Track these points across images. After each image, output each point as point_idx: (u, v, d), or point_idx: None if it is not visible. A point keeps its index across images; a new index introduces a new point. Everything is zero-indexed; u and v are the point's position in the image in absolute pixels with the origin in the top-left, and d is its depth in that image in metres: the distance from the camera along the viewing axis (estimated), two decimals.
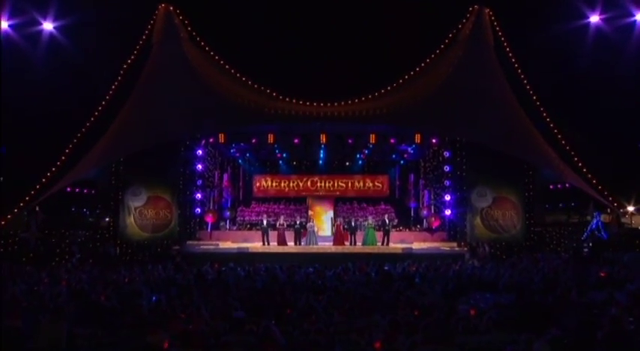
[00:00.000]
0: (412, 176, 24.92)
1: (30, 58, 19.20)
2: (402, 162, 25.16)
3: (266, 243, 19.46)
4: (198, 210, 20.86)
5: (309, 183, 24.35)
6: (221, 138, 20.19)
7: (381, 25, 21.91)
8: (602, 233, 17.76)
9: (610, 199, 18.31)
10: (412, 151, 23.16)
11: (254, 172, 25.05)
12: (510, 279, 10.98)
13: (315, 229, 20.05)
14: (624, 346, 5.78)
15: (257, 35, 21.46)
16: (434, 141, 21.07)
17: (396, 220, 22.37)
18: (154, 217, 19.27)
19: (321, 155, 23.75)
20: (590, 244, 17.96)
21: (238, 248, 18.68)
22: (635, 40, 19.39)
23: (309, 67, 20.63)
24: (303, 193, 24.35)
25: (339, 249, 18.83)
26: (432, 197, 22.54)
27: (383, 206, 23.65)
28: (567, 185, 19.43)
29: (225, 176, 23.69)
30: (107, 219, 19.98)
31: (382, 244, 19.51)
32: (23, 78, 18.50)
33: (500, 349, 6.06)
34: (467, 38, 18.87)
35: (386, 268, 12.97)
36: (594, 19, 19.86)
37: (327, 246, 19.45)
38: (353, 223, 20.09)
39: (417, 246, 19.48)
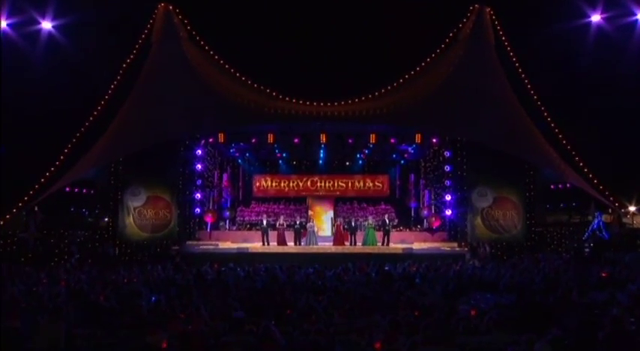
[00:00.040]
0: (412, 176, 24.89)
1: (29, 58, 19.16)
2: (402, 162, 25.12)
3: (266, 243, 19.41)
4: (198, 210, 20.82)
5: (309, 183, 24.29)
6: (221, 138, 20.14)
7: (381, 25, 21.89)
8: (604, 233, 17.73)
9: (611, 199, 18.27)
10: (412, 151, 23.11)
11: (254, 172, 24.99)
12: (511, 279, 10.97)
13: (315, 229, 20.02)
14: (625, 347, 5.79)
15: (257, 34, 21.42)
16: (434, 141, 21.02)
17: (397, 220, 22.33)
18: (154, 217, 19.20)
19: (321, 155, 23.70)
20: (592, 245, 17.99)
21: (238, 248, 18.66)
22: (636, 39, 19.35)
23: (309, 67, 20.62)
24: (303, 193, 24.29)
25: (339, 249, 18.80)
26: (433, 197, 22.49)
27: (383, 206, 23.60)
28: (568, 185, 19.38)
29: (225, 176, 23.65)
30: (106, 219, 19.91)
31: (382, 244, 19.46)
32: (22, 77, 18.46)
33: (501, 349, 6.07)
34: (467, 37, 18.82)
35: (386, 268, 12.96)
36: (595, 18, 19.80)
37: (327, 246, 19.41)
38: (353, 223, 20.06)
39: (417, 246, 19.45)
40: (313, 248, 18.86)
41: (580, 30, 19.98)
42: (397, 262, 14.58)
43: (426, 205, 23.12)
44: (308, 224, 19.99)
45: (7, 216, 16.93)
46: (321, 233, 21.28)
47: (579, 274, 11.80)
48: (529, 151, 18.12)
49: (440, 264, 14.09)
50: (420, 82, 18.52)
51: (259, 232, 20.02)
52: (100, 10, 18.83)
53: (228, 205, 23.56)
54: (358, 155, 23.79)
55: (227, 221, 23.04)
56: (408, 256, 16.72)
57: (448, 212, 20.58)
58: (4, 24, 18.00)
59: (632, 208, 19.72)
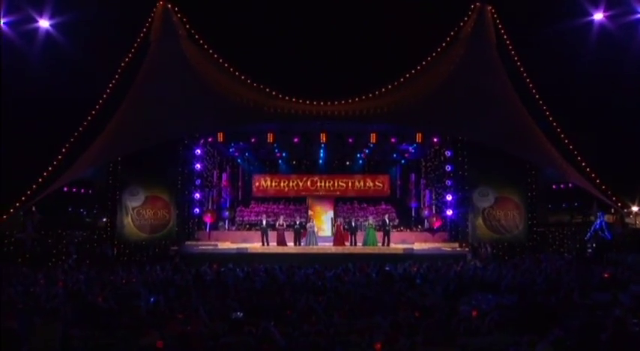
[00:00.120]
0: (413, 176, 24.83)
1: (26, 56, 19.06)
2: (402, 161, 25.06)
3: (265, 243, 19.37)
4: (197, 210, 20.78)
5: (308, 183, 24.22)
6: (220, 137, 20.09)
7: (381, 24, 21.81)
8: (606, 234, 17.62)
9: (614, 199, 18.15)
10: (413, 151, 23.06)
11: (253, 172, 24.93)
12: (513, 280, 10.93)
13: (315, 230, 19.98)
14: (628, 348, 5.75)
15: (256, 33, 21.34)
16: (435, 140, 20.99)
17: (397, 221, 22.32)
18: (152, 218, 19.18)
19: (321, 155, 23.65)
20: (594, 245, 17.88)
21: (237, 249, 18.63)
22: (639, 38, 19.19)
23: (309, 66, 20.55)
24: (303, 193, 24.23)
25: (339, 249, 18.76)
26: (434, 197, 22.45)
27: (384, 206, 23.55)
28: (570, 185, 19.31)
29: (224, 176, 23.60)
30: (104, 219, 19.88)
31: (382, 244, 19.40)
32: (19, 76, 18.32)
33: (502, 350, 6.00)
34: (469, 36, 18.66)
35: (387, 268, 12.90)
36: (598, 16, 19.68)
37: (327, 246, 19.39)
38: (353, 224, 20.06)
39: (418, 246, 19.42)
40: (313, 248, 18.82)
41: (582, 28, 19.87)
42: (398, 263, 14.51)
43: (426, 205, 23.06)
44: (308, 224, 19.94)
45: (5, 216, 16.83)
46: (321, 233, 21.25)
47: (581, 274, 11.75)
48: (531, 150, 18.04)
49: (441, 264, 14.07)
50: (421, 81, 18.41)
51: (259, 233, 19.98)
52: (97, 9, 18.75)
53: (228, 205, 23.51)
54: (358, 155, 23.74)
55: (226, 221, 23.00)
56: (409, 256, 16.67)
57: (449, 212, 20.52)
58: (0, 22, 17.88)
59: (634, 208, 19.64)
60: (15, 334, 6.10)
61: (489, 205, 19.49)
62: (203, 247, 19.16)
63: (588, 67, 19.85)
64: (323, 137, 19.61)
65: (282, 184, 24.43)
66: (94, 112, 18.21)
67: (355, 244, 19.45)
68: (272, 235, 19.70)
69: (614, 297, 8.51)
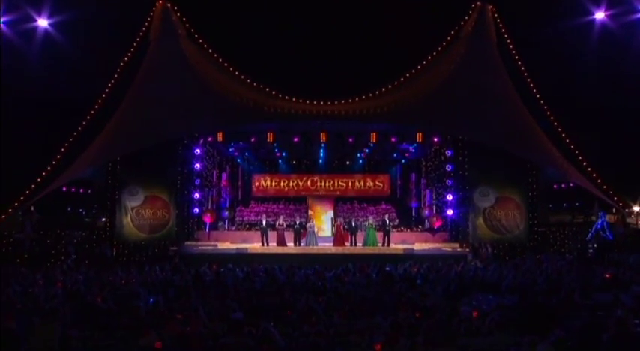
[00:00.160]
0: (413, 176, 24.77)
1: (25, 56, 19.00)
2: (403, 161, 24.99)
3: (265, 243, 19.33)
4: (197, 210, 20.73)
5: (308, 182, 24.16)
6: (219, 137, 20.04)
7: (382, 23, 21.74)
8: (607, 234, 17.60)
9: (615, 199, 18.13)
10: (413, 150, 23.01)
11: (253, 172, 24.87)
12: (513, 280, 10.93)
13: (315, 230, 19.96)
14: (630, 349, 5.75)
15: (256, 32, 21.28)
16: (435, 140, 20.94)
17: (397, 221, 22.28)
18: (152, 218, 19.12)
19: (321, 154, 23.59)
20: (595, 245, 17.84)
21: (237, 249, 18.60)
22: None
23: (309, 65, 20.51)
24: (303, 193, 24.17)
25: (339, 250, 18.74)
26: (434, 197, 22.41)
27: (384, 206, 23.50)
28: (571, 185, 19.26)
29: (224, 176, 23.54)
30: (103, 219, 19.86)
31: (383, 244, 19.35)
32: (18, 76, 18.27)
33: None
34: (469, 35, 18.63)
35: (387, 268, 12.90)
36: (599, 15, 19.62)
37: (327, 246, 19.36)
38: (353, 224, 20.04)
39: (418, 246, 19.37)
40: (313, 249, 18.79)
41: (583, 27, 19.82)
42: (398, 263, 14.51)
43: (427, 205, 23.00)
44: (308, 224, 19.91)
45: (3, 216, 16.80)
46: (321, 233, 21.21)
47: (583, 275, 11.74)
48: (532, 150, 18.01)
49: (441, 265, 14.06)
50: (421, 81, 18.38)
51: (258, 233, 19.93)
52: (97, 8, 18.69)
53: (227, 205, 23.45)
54: (359, 154, 23.68)
55: (226, 221, 22.93)
56: (409, 256, 16.66)
57: (450, 212, 20.46)
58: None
59: (636, 209, 19.59)
60: (14, 334, 6.12)
61: (490, 205, 19.43)
62: (202, 248, 19.11)
63: (589, 66, 19.82)
64: (323, 137, 19.56)
65: (282, 184, 24.37)
66: (93, 112, 18.17)
67: (355, 245, 19.41)
68: (272, 235, 19.65)
69: (616, 297, 8.52)
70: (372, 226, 19.80)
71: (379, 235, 19.67)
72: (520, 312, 7.74)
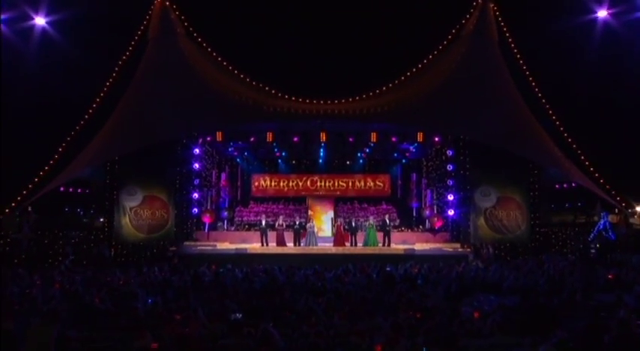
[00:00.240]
0: (414, 175, 24.72)
1: (22, 54, 18.94)
2: (403, 161, 24.98)
3: (265, 244, 19.28)
4: (196, 210, 20.67)
5: (308, 182, 24.13)
6: (219, 136, 20.03)
7: (382, 21, 21.62)
8: (610, 234, 17.56)
9: (618, 198, 18.06)
10: (414, 150, 22.98)
11: (252, 172, 24.83)
12: (515, 281, 10.94)
13: (315, 230, 19.93)
14: (632, 350, 5.70)
15: (256, 31, 21.16)
16: (436, 139, 20.91)
17: (398, 221, 22.31)
18: (150, 218, 19.08)
19: (321, 154, 23.58)
20: (598, 246, 17.81)
21: (236, 249, 18.53)
22: None
23: (309, 64, 20.39)
24: (303, 193, 24.14)
25: (339, 250, 18.72)
26: (435, 197, 22.36)
27: (384, 206, 23.49)
28: (574, 185, 19.21)
29: (223, 175, 23.49)
30: (102, 219, 19.79)
31: (383, 244, 19.32)
32: (15, 74, 18.18)
33: None
34: (470, 34, 18.50)
35: (387, 269, 12.88)
36: (602, 13, 19.57)
37: (328, 247, 19.34)
38: (354, 224, 20.05)
39: (419, 247, 19.32)
40: (313, 249, 18.76)
41: (586, 26, 19.76)
42: (399, 263, 14.47)
43: (428, 205, 22.93)
44: (308, 224, 19.87)
45: (0, 216, 16.70)
46: (321, 234, 21.21)
47: (585, 275, 11.73)
48: (533, 149, 17.91)
49: (442, 265, 14.05)
50: (422, 80, 18.28)
51: (258, 233, 19.91)
52: (95, 6, 18.59)
53: (227, 205, 23.42)
54: (359, 154, 23.69)
55: (225, 221, 22.89)
56: (410, 257, 16.65)
57: (451, 212, 20.37)
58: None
59: (639, 209, 19.38)
60: (12, 335, 6.18)
61: (491, 205, 19.40)
62: (202, 248, 19.07)
63: (592, 64, 19.69)
64: (323, 136, 19.55)
65: (281, 183, 24.34)
66: (91, 111, 18.08)
67: (355, 245, 19.38)
68: (271, 235, 19.61)
69: (619, 298, 8.52)
70: (373, 226, 19.74)
71: (380, 235, 19.62)
72: (522, 313, 7.71)
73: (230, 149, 23.14)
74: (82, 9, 18.45)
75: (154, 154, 18.01)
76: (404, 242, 20.02)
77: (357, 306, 8.31)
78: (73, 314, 7.73)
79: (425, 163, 24.11)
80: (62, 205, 20.58)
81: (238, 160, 24.62)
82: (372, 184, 24.38)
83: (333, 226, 21.83)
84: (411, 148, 22.62)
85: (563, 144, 18.19)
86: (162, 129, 17.14)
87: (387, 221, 19.83)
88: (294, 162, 24.97)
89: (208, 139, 20.67)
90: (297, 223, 19.94)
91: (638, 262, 14.42)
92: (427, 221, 22.53)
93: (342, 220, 21.09)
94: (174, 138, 18.85)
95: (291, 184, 24.24)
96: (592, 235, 17.96)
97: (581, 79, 19.77)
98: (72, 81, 19.16)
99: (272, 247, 18.97)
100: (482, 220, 19.29)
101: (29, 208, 17.12)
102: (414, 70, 18.56)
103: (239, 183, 25.01)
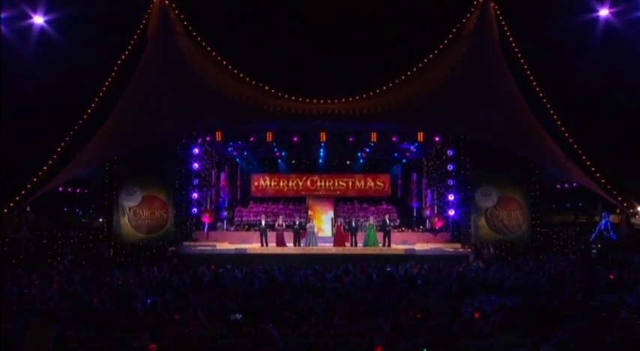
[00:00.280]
0: (415, 175, 24.71)
1: (20, 53, 18.87)
2: (404, 161, 24.94)
3: (264, 244, 19.26)
4: (195, 210, 20.66)
5: (308, 182, 24.11)
6: (218, 136, 20.00)
7: (382, 21, 21.54)
8: (611, 234, 17.54)
9: (619, 198, 17.98)
10: (415, 150, 22.95)
11: (252, 171, 24.80)
12: (516, 281, 10.94)
13: (315, 230, 19.93)
14: (634, 350, 5.64)
15: (255, 30, 21.09)
16: (437, 139, 20.88)
17: (398, 221, 22.32)
18: (149, 218, 19.03)
19: (321, 154, 23.55)
20: (599, 246, 17.80)
21: (236, 249, 18.53)
22: None
23: (308, 63, 20.29)
24: (303, 193, 24.12)
25: (339, 250, 18.71)
26: (435, 197, 22.33)
27: (385, 206, 23.47)
28: (575, 184, 19.17)
29: (223, 175, 23.48)
30: (100, 219, 19.76)
31: (383, 245, 19.30)
32: (13, 74, 18.11)
33: None
34: (471, 33, 18.44)
35: (388, 269, 12.88)
36: (604, 12, 19.53)
37: (328, 247, 19.33)
38: (354, 224, 20.05)
39: (419, 247, 19.31)
40: (313, 249, 18.76)
41: (587, 25, 19.72)
42: (399, 264, 14.46)
43: (428, 205, 22.90)
44: (307, 225, 19.86)
45: None
46: (321, 234, 21.22)
47: (586, 275, 11.72)
48: (534, 149, 17.87)
49: (443, 265, 14.04)
50: (423, 79, 18.23)
51: (258, 233, 19.90)
52: (93, 5, 18.54)
53: (226, 205, 23.40)
54: (359, 154, 23.66)
55: (225, 221, 22.87)
56: (410, 257, 16.65)
57: (451, 212, 20.33)
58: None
59: None
60: (10, 335, 6.10)
61: (492, 205, 19.35)
62: (201, 248, 19.07)
63: (593, 64, 19.63)
64: (323, 136, 19.53)
65: (281, 183, 24.32)
66: (90, 111, 18.02)
67: (356, 245, 19.36)
68: (271, 235, 19.59)
69: (620, 298, 8.52)
70: (373, 226, 19.73)
71: (380, 235, 19.60)
72: (523, 313, 7.66)
73: (230, 149, 23.11)
74: (81, 8, 18.39)
75: (153, 153, 18.00)
76: (404, 242, 20.01)
77: (357, 306, 8.28)
78: (71, 314, 7.71)
79: (425, 163, 24.08)
80: (61, 205, 20.55)
81: (238, 159, 24.58)
82: (372, 184, 24.36)
83: (333, 226, 21.82)
84: (412, 147, 22.59)
85: (564, 143, 18.13)
86: (162, 128, 17.12)
87: (388, 221, 19.82)
88: (294, 162, 24.93)
89: (208, 138, 20.65)
90: (297, 223, 19.92)
91: (639, 263, 14.39)
92: (427, 221, 22.51)
93: (342, 220, 21.08)
94: (174, 137, 18.82)
95: (291, 184, 24.21)
96: (593, 235, 17.93)
97: (583, 79, 19.68)
98: (71, 80, 19.12)
99: (272, 248, 18.95)
100: (482, 220, 19.24)
101: (28, 208, 17.04)
102: (415, 69, 18.50)
103: (239, 183, 24.98)
